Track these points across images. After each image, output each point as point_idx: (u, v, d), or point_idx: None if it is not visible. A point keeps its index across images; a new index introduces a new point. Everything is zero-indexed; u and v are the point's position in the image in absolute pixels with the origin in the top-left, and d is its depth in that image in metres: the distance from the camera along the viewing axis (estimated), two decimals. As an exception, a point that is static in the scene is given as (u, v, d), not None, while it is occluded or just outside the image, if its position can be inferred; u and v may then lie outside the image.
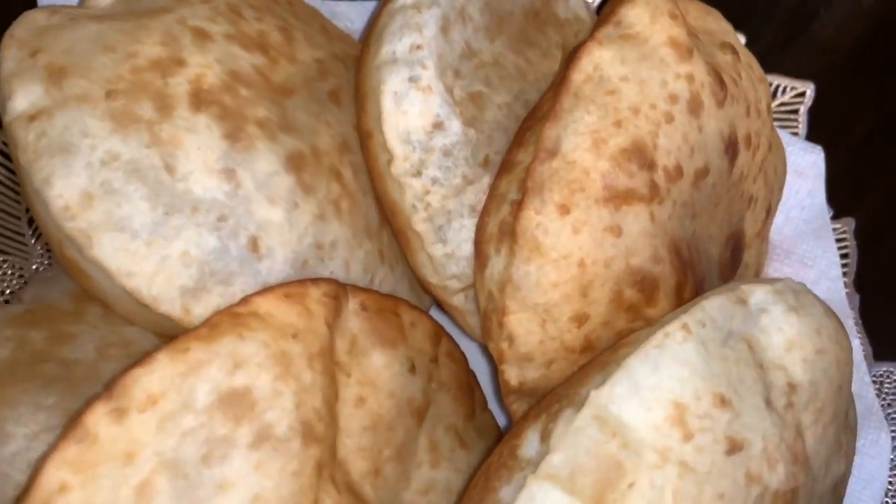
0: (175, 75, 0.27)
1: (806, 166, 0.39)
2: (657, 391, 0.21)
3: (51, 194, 0.24)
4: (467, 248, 0.28)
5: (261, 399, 0.23)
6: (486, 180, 0.28)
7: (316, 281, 0.27)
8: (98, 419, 0.21)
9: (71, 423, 0.21)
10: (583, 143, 0.25)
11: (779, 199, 0.36)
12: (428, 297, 0.33)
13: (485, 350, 0.33)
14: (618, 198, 0.25)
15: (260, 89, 0.28)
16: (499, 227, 0.26)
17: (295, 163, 0.28)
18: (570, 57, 0.27)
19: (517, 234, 0.25)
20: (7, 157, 0.36)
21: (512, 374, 0.27)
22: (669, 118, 0.26)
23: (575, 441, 0.21)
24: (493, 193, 0.27)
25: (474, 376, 0.33)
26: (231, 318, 0.24)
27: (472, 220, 0.28)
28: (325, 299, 0.26)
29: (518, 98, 0.30)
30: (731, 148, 0.29)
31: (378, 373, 0.29)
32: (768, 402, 0.23)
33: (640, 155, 0.26)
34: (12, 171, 0.36)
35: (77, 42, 0.26)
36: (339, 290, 0.27)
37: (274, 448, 0.23)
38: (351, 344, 0.28)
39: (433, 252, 0.28)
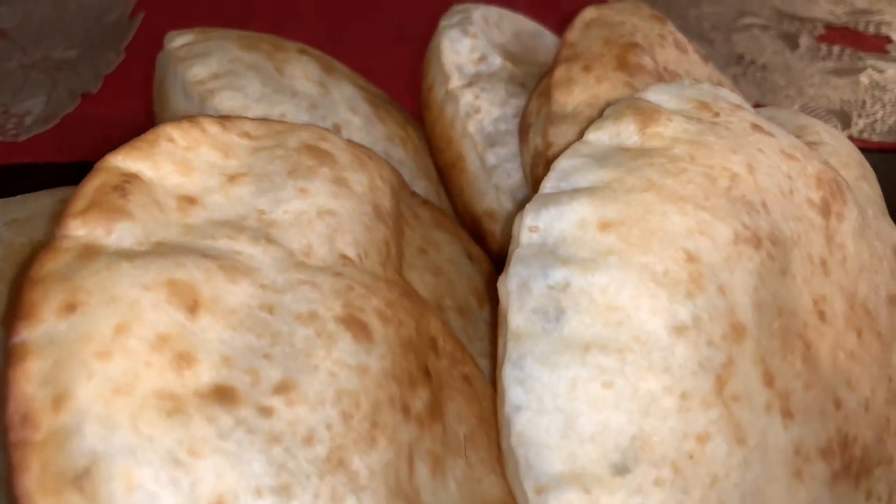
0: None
1: None
2: None
3: (187, 73, 0.32)
4: (513, 146, 0.33)
5: (341, 161, 0.27)
6: (524, 97, 0.34)
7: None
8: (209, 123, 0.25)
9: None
10: (596, 42, 0.32)
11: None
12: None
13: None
14: (625, 59, 0.31)
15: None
16: (537, 103, 0.32)
17: (371, 101, 0.35)
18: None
19: (551, 88, 0.31)
20: None
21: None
22: None
23: None
24: (530, 100, 0.33)
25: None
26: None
27: (515, 123, 0.34)
28: (397, 174, 0.31)
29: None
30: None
31: (439, 242, 0.32)
32: None
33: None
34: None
35: None
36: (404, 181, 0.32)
37: (349, 194, 0.26)
38: (414, 215, 0.32)
39: (484, 157, 0.33)
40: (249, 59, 0.33)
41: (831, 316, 0.23)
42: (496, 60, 0.35)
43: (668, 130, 0.23)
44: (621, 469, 0.19)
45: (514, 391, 0.20)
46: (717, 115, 0.25)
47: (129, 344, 0.18)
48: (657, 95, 0.25)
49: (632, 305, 0.20)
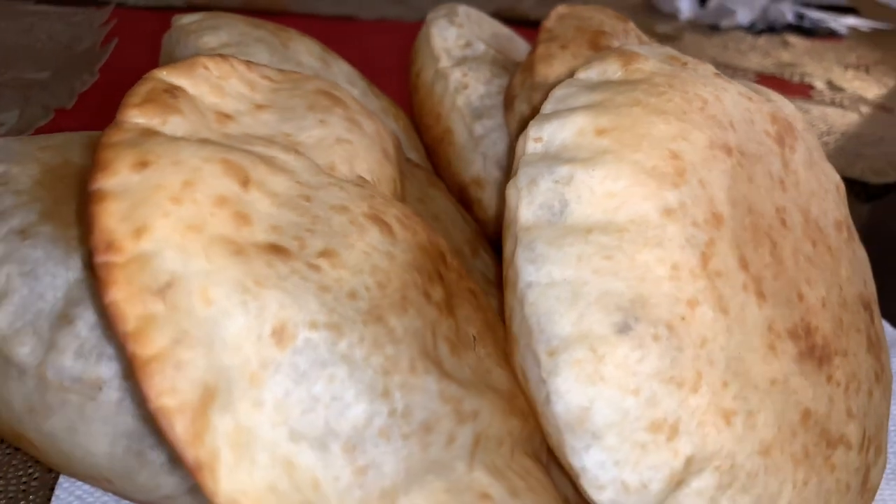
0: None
1: None
2: None
3: (199, 42, 0.34)
4: (498, 119, 0.37)
5: (352, 106, 0.30)
6: (506, 78, 0.38)
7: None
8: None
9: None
10: (569, 29, 0.37)
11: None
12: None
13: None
14: (596, 42, 0.36)
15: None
16: (521, 77, 0.36)
17: (364, 79, 0.38)
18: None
19: (534, 63, 0.35)
20: None
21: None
22: None
23: None
24: (513, 76, 0.37)
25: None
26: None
27: (499, 98, 0.37)
28: (395, 135, 0.34)
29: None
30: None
31: (434, 196, 0.34)
32: None
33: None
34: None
35: None
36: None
37: (362, 133, 0.29)
38: (411, 173, 0.34)
39: (472, 127, 0.37)
40: (257, 33, 0.36)
41: (791, 224, 0.26)
42: (480, 46, 0.39)
43: (647, 66, 0.27)
44: (623, 328, 0.22)
45: (526, 269, 0.23)
46: (685, 64, 0.29)
47: (196, 196, 0.20)
48: (635, 49, 0.29)
49: (627, 193, 0.23)
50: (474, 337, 0.26)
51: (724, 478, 0.23)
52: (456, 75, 0.37)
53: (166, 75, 0.24)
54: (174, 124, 0.23)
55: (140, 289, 0.17)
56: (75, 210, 0.25)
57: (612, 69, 0.27)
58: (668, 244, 0.23)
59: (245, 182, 0.21)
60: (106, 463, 0.23)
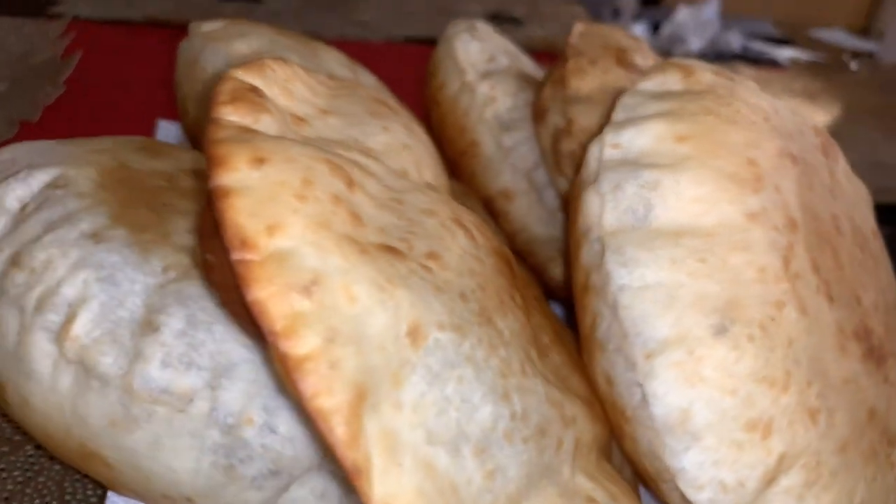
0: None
1: None
2: None
3: (230, 49, 0.33)
4: (525, 131, 0.37)
5: (402, 114, 0.30)
6: (530, 91, 0.38)
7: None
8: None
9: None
10: (594, 46, 0.37)
11: None
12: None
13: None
14: (622, 58, 0.36)
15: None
16: (551, 90, 0.36)
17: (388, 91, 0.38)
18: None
19: (566, 77, 0.35)
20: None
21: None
22: None
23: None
24: (542, 89, 0.38)
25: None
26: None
27: (525, 111, 0.37)
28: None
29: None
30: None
31: (471, 204, 0.34)
32: None
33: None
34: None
35: None
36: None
37: (419, 139, 0.29)
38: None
39: (500, 140, 0.37)
40: (285, 41, 0.35)
41: (843, 231, 0.27)
42: (503, 60, 0.39)
43: (705, 78, 0.28)
44: (720, 329, 0.22)
45: (618, 272, 0.23)
46: (731, 79, 0.30)
47: (317, 193, 0.19)
48: (690, 62, 0.30)
49: (712, 197, 0.24)
50: (548, 344, 0.26)
51: (811, 475, 0.23)
52: (483, 88, 0.38)
53: (243, 75, 0.24)
54: (265, 123, 0.22)
55: (284, 287, 0.17)
56: (147, 212, 0.24)
57: (672, 80, 0.27)
58: (754, 247, 0.23)
59: (350, 183, 0.21)
60: (189, 480, 0.22)
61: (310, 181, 0.19)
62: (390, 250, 0.20)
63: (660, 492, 0.24)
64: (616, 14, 1.06)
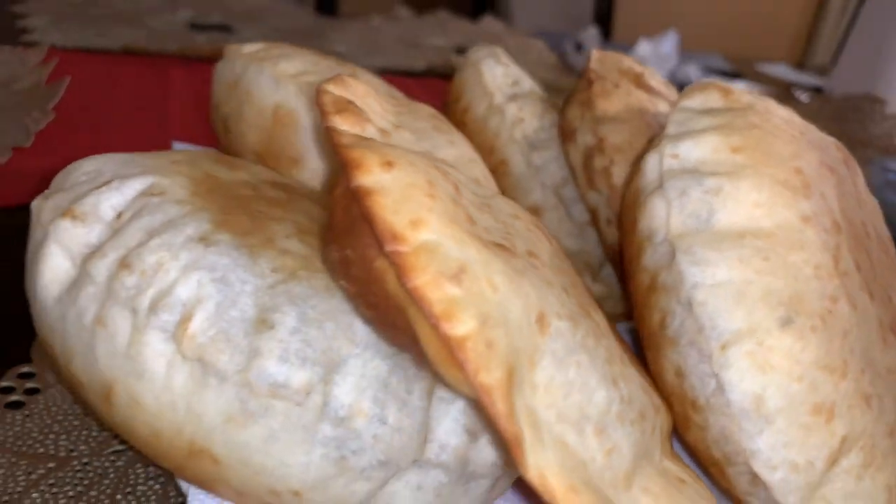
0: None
1: None
2: None
3: (276, 69, 0.35)
4: (553, 151, 0.39)
5: (458, 131, 0.31)
6: (555, 113, 0.40)
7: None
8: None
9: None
10: (612, 70, 0.40)
11: None
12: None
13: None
14: (640, 81, 0.39)
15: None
16: (579, 111, 0.38)
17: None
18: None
19: (593, 99, 0.37)
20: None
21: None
22: None
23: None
24: (567, 110, 0.40)
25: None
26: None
27: (551, 132, 0.39)
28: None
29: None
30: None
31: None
32: None
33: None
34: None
35: None
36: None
37: (476, 155, 0.30)
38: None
39: (530, 158, 0.39)
40: (326, 62, 0.37)
41: (871, 235, 0.30)
42: (527, 84, 0.41)
43: (743, 98, 0.30)
44: (786, 321, 0.24)
45: (690, 271, 0.25)
46: (761, 99, 0.32)
47: (440, 194, 0.20)
48: (723, 83, 0.32)
49: (770, 202, 0.26)
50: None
51: (867, 457, 0.25)
52: (511, 110, 0.40)
53: (333, 88, 0.25)
54: (370, 132, 0.23)
55: (436, 274, 0.18)
56: (245, 218, 0.24)
57: (712, 98, 0.30)
58: (809, 247, 0.25)
59: (456, 187, 0.22)
60: (299, 473, 0.22)
61: (433, 183, 0.21)
62: (502, 247, 0.21)
63: (724, 477, 0.26)
64: (579, 48, 1.10)
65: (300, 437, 0.22)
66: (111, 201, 0.25)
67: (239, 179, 0.27)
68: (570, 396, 0.20)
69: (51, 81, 0.70)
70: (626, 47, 1.09)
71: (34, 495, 0.31)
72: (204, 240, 0.23)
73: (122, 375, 0.22)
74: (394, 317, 0.19)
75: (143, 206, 0.24)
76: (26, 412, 0.35)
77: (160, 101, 0.73)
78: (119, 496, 0.32)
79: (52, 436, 0.34)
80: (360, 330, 0.23)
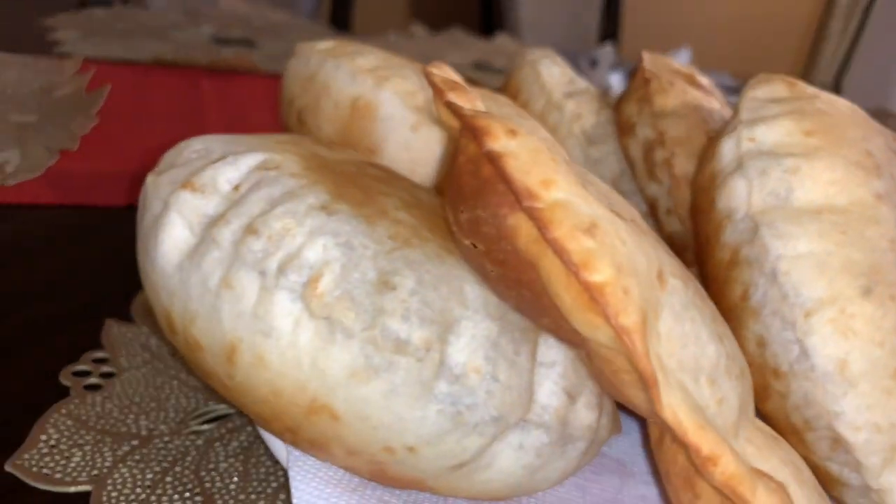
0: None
1: None
2: None
3: (353, 64, 0.36)
4: (610, 145, 0.41)
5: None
6: (609, 109, 0.42)
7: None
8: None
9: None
10: (665, 70, 0.42)
11: None
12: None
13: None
14: (692, 80, 0.41)
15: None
16: (636, 107, 0.40)
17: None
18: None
19: (651, 95, 0.39)
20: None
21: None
22: None
23: None
24: (625, 106, 0.41)
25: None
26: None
27: (608, 127, 0.41)
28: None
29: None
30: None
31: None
32: None
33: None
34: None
35: None
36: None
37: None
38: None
39: (588, 152, 0.40)
40: (396, 59, 0.38)
41: (927, 218, 0.32)
42: (582, 83, 0.43)
43: (808, 89, 0.32)
44: (867, 290, 0.26)
45: (774, 244, 0.27)
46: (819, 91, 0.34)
47: (557, 158, 0.22)
48: (785, 77, 0.34)
49: (844, 181, 0.27)
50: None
51: (940, 419, 0.27)
52: (570, 106, 0.41)
53: (438, 71, 0.27)
54: (479, 108, 0.25)
55: (572, 228, 0.19)
56: (358, 191, 0.26)
57: (778, 89, 0.32)
58: (884, 223, 0.27)
59: (564, 158, 0.24)
60: (415, 428, 0.24)
61: (552, 149, 0.22)
62: (613, 211, 0.23)
63: (803, 444, 0.27)
64: (594, 64, 1.13)
65: (418, 392, 0.23)
66: (227, 175, 0.26)
67: (342, 158, 0.28)
68: (686, 348, 0.21)
69: (91, 89, 0.72)
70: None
71: (122, 470, 0.32)
72: (325, 208, 0.24)
73: (248, 334, 0.24)
74: (521, 272, 0.20)
75: (261, 179, 0.25)
76: (105, 394, 0.36)
77: (195, 108, 0.75)
78: (203, 472, 0.33)
79: (131, 416, 0.35)
80: (471, 293, 0.24)
